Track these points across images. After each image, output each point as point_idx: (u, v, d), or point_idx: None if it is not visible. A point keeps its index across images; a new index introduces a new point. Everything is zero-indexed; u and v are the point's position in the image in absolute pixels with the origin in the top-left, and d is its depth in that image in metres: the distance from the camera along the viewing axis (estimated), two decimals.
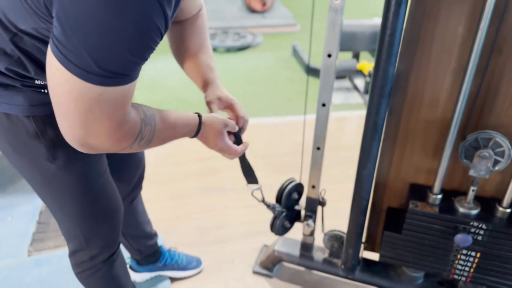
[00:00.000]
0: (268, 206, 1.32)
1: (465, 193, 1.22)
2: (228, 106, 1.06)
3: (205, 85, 1.06)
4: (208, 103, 1.04)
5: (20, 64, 0.83)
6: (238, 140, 1.03)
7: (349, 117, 2.84)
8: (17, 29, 0.76)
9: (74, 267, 1.16)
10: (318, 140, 1.31)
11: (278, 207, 1.36)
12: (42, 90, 0.87)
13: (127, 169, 1.24)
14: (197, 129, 0.92)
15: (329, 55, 1.16)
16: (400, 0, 0.96)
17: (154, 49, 0.67)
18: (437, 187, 1.21)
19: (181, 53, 1.09)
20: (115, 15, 0.58)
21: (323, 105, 1.23)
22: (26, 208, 1.93)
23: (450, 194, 1.25)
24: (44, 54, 0.72)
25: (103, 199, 1.05)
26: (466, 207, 1.20)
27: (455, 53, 1.08)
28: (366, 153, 1.19)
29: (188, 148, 2.36)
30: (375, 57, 1.08)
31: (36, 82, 0.86)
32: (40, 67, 0.83)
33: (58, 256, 1.70)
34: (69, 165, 0.94)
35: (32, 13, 0.70)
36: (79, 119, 0.67)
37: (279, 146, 2.42)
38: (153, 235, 1.53)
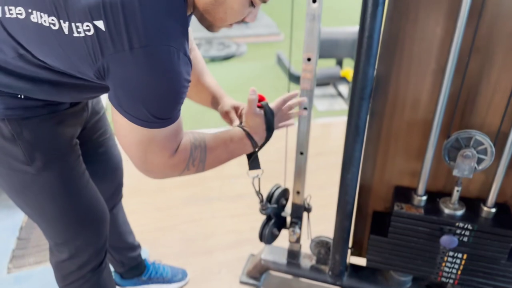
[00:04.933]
0: (261, 201, 1.28)
1: (449, 194, 1.22)
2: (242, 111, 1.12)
3: (217, 99, 1.14)
4: (226, 113, 1.12)
5: (7, 80, 0.83)
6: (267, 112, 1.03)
7: (334, 123, 2.85)
8: (34, 57, 0.80)
9: (61, 280, 1.12)
10: (301, 145, 1.29)
11: (270, 207, 1.33)
12: (19, 96, 0.86)
13: (104, 174, 1.22)
14: (252, 142, 1.00)
15: (309, 59, 1.15)
16: (377, 1, 0.96)
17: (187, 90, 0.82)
18: (421, 188, 1.21)
19: None
20: (162, 80, 0.75)
21: (305, 109, 1.22)
22: (6, 224, 1.88)
23: (435, 196, 1.24)
24: (39, 75, 0.83)
25: (86, 201, 1.03)
26: (451, 208, 1.20)
27: (434, 54, 1.08)
28: (349, 157, 1.18)
29: None
30: (354, 60, 1.07)
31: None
32: (26, 81, 0.84)
33: (39, 273, 1.65)
34: (47, 167, 0.93)
35: (71, 61, 0.78)
36: (140, 158, 0.84)
37: (264, 154, 2.39)
38: (136, 247, 1.49)
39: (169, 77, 0.75)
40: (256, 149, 1.06)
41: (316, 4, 1.05)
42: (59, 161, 0.95)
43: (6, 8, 0.78)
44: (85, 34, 0.72)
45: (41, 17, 0.75)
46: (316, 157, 2.28)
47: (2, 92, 0.84)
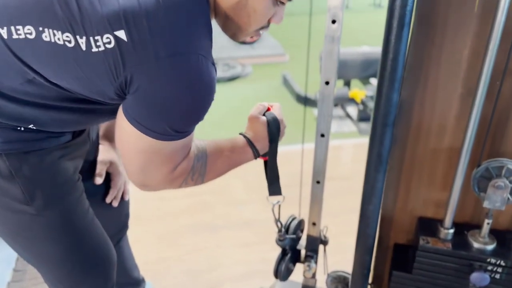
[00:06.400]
0: (279, 230, 1.19)
1: (478, 226, 1.13)
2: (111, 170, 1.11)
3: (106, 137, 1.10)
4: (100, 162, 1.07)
5: (11, 108, 0.75)
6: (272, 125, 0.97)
7: (344, 146, 2.77)
8: (47, 80, 0.73)
9: None
10: (318, 173, 1.22)
11: (288, 237, 1.23)
12: (19, 128, 0.78)
13: (111, 207, 1.13)
14: (254, 150, 0.93)
15: (327, 83, 1.09)
16: (403, 22, 0.90)
17: None
18: (448, 220, 1.12)
19: None
20: (190, 92, 0.69)
21: (322, 135, 1.15)
22: (1, 255, 1.78)
23: (462, 228, 1.15)
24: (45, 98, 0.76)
25: (91, 242, 0.94)
26: (481, 242, 1.11)
27: (462, 77, 1.01)
28: (371, 187, 1.10)
29: None
30: (377, 84, 1.00)
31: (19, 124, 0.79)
32: (33, 107, 0.76)
33: None
34: (49, 206, 0.84)
35: (90, 81, 0.71)
36: (139, 168, 0.77)
37: None
38: (140, 282, 1.40)
39: (198, 89, 0.70)
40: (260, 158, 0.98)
41: (335, 25, 0.99)
42: (62, 199, 0.87)
43: (12, 28, 0.70)
44: (105, 47, 0.65)
45: (54, 35, 0.67)
46: (327, 182, 2.20)
47: (1, 124, 0.77)
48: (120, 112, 0.73)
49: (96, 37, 0.65)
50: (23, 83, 0.73)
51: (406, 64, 1.01)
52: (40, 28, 0.68)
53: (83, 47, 0.67)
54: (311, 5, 1.27)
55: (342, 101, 3.20)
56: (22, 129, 0.78)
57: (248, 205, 2.10)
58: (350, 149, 2.70)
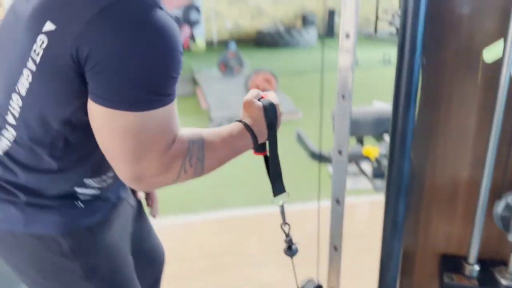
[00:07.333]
0: (287, 235, 1.13)
1: (503, 262, 1.11)
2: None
3: None
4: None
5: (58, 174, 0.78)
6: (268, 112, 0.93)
7: (359, 203, 2.76)
8: (60, 120, 0.72)
9: None
10: (335, 238, 1.23)
11: (295, 247, 1.19)
12: (77, 203, 0.81)
13: (143, 270, 1.14)
14: (252, 136, 0.87)
15: (340, 152, 1.13)
16: (410, 99, 0.96)
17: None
18: (473, 256, 1.10)
19: None
20: (149, 45, 0.63)
21: (337, 201, 1.18)
22: None
23: (487, 264, 1.12)
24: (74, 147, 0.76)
25: None
26: (509, 279, 1.08)
27: (470, 145, 1.05)
28: (388, 254, 1.11)
29: (195, 241, 2.26)
30: (388, 155, 1.05)
31: (78, 191, 0.81)
32: (78, 162, 0.79)
33: None
34: (112, 275, 0.85)
35: (66, 93, 0.69)
36: (128, 156, 0.68)
37: (295, 237, 2.29)
38: None
39: (151, 33, 0.63)
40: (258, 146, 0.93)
41: (346, 101, 1.05)
42: (120, 272, 0.87)
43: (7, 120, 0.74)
44: (43, 50, 0.64)
45: (23, 84, 0.69)
46: (343, 241, 2.18)
47: (63, 204, 0.80)
48: (89, 101, 0.68)
49: (34, 48, 0.65)
50: (53, 142, 0.74)
51: (414, 135, 1.06)
52: (12, 98, 0.71)
53: (33, 68, 0.66)
54: (322, 65, 1.35)
55: (356, 158, 3.24)
56: (82, 205, 0.81)
57: (264, 267, 2.09)
58: (366, 206, 2.70)
